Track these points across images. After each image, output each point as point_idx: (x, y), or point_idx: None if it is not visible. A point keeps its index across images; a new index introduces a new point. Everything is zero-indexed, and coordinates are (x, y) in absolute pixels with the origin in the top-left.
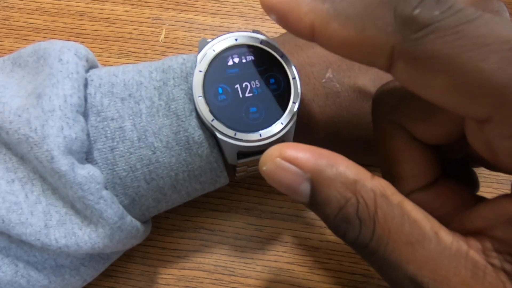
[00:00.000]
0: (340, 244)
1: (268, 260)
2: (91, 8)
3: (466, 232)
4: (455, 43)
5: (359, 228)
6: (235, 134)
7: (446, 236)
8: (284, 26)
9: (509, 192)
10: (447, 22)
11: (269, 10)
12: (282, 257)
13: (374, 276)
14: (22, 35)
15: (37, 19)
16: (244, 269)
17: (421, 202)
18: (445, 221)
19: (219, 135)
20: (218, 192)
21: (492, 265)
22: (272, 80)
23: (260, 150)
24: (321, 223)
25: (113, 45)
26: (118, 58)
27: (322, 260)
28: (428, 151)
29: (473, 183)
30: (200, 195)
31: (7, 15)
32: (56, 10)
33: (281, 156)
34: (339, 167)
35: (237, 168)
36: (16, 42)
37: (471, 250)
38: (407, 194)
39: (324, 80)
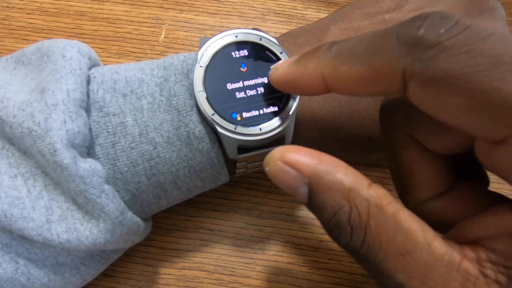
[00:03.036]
0: None
1: (268, 260)
2: (91, 8)
3: (463, 241)
4: (470, 62)
5: (350, 235)
6: (235, 128)
7: (440, 247)
8: (299, 92)
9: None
10: (458, 40)
11: (282, 83)
12: (282, 257)
13: None
14: (22, 35)
15: (37, 19)
16: (244, 269)
17: (436, 210)
18: (464, 226)
19: (219, 129)
20: (218, 192)
21: (485, 275)
22: None
23: (261, 145)
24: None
25: (113, 45)
26: (118, 58)
27: (322, 260)
28: (441, 160)
29: (484, 180)
30: (200, 195)
31: (7, 15)
32: (56, 10)
33: (282, 159)
34: (337, 174)
35: (237, 164)
36: (16, 42)
37: (464, 261)
38: (422, 204)
39: None
